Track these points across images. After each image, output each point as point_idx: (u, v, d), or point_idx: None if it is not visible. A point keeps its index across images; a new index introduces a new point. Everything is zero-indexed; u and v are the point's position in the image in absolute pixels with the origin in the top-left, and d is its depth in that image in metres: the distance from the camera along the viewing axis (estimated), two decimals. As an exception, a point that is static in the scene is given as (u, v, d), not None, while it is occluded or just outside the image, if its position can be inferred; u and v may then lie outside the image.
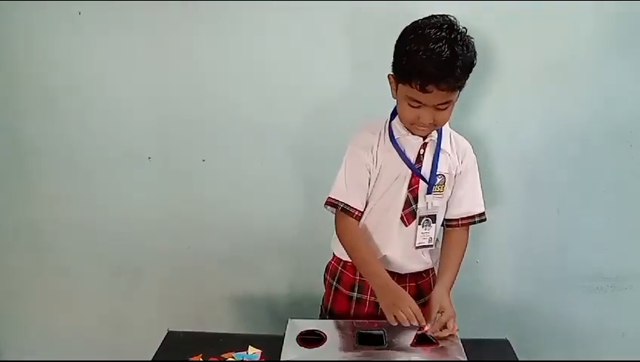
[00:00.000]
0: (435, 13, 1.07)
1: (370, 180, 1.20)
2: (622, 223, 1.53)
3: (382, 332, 1.14)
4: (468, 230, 1.25)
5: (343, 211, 1.19)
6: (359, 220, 1.22)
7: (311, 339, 1.12)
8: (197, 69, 1.46)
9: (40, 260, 1.71)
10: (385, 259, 1.24)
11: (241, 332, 1.23)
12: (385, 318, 1.13)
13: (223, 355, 1.13)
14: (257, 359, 1.12)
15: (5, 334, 1.82)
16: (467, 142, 1.24)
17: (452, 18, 1.06)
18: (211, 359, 1.12)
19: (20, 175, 1.62)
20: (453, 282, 1.21)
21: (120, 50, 1.46)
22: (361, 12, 1.37)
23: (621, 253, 1.56)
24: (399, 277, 1.25)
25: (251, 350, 1.14)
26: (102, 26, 1.44)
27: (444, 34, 1.02)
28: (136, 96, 1.50)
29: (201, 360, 1.12)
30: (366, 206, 1.22)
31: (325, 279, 1.36)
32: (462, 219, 1.23)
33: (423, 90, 1.04)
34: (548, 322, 1.64)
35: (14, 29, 1.46)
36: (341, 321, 1.21)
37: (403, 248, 1.23)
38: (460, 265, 1.23)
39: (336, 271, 1.32)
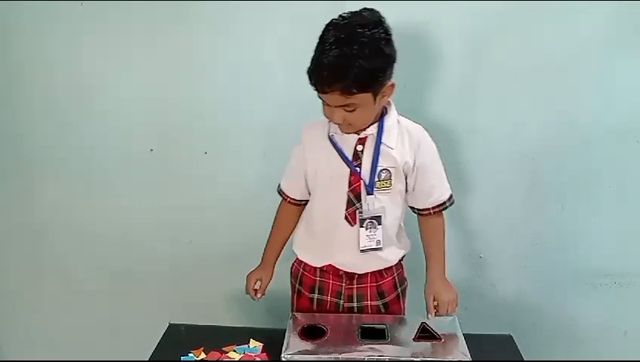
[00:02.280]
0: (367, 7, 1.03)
1: (305, 173, 1.21)
2: (626, 220, 1.52)
3: (384, 326, 1.13)
4: (442, 215, 1.23)
5: (279, 193, 1.30)
6: (295, 206, 1.28)
7: (313, 333, 1.11)
8: (199, 63, 1.46)
9: (42, 254, 1.70)
10: (338, 262, 1.22)
11: (242, 326, 1.22)
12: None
13: (224, 348, 1.13)
14: (259, 352, 1.12)
15: (6, 334, 1.82)
16: (423, 132, 1.18)
17: (369, 14, 1.01)
18: (212, 352, 1.11)
19: (19, 173, 1.61)
20: (443, 266, 1.23)
21: (121, 45, 1.45)
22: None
23: (625, 250, 1.55)
24: (359, 277, 1.23)
25: (253, 343, 1.14)
26: (103, 21, 1.43)
27: (340, 33, 0.98)
28: (138, 89, 1.49)
29: (202, 353, 1.11)
30: (315, 205, 1.22)
31: (290, 282, 1.34)
32: (433, 208, 1.20)
33: (317, 90, 1.02)
34: (551, 318, 1.63)
35: (15, 29, 1.46)
36: (344, 315, 1.21)
37: (355, 248, 1.18)
38: (444, 249, 1.23)
39: (298, 273, 1.30)
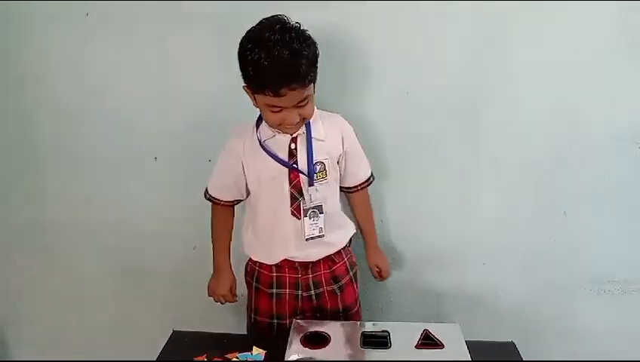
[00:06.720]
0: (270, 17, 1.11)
1: (241, 181, 1.27)
2: (630, 225, 1.52)
3: (386, 333, 1.13)
4: (367, 190, 1.39)
5: (210, 200, 1.32)
6: (229, 207, 1.34)
7: (315, 340, 1.12)
8: (202, 70, 1.47)
9: (47, 260, 1.72)
10: (292, 255, 1.29)
11: (245, 333, 1.23)
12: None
13: (227, 355, 1.13)
14: (261, 360, 1.12)
15: (13, 334, 1.83)
16: (341, 118, 1.30)
17: (282, 17, 1.10)
18: (215, 359, 1.12)
19: (27, 176, 1.63)
20: (376, 237, 1.45)
21: (125, 52, 1.47)
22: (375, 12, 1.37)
23: (629, 256, 1.55)
24: (313, 266, 1.31)
25: (255, 350, 1.15)
26: (108, 27, 1.45)
27: (278, 35, 1.05)
28: (142, 97, 1.50)
29: (205, 360, 1.12)
30: (260, 207, 1.28)
31: (246, 280, 1.40)
32: (360, 185, 1.36)
33: (277, 95, 1.07)
34: (555, 325, 1.63)
35: (25, 32, 1.48)
36: (346, 322, 1.21)
37: (302, 240, 1.27)
38: (374, 219, 1.44)
39: (254, 272, 1.36)
